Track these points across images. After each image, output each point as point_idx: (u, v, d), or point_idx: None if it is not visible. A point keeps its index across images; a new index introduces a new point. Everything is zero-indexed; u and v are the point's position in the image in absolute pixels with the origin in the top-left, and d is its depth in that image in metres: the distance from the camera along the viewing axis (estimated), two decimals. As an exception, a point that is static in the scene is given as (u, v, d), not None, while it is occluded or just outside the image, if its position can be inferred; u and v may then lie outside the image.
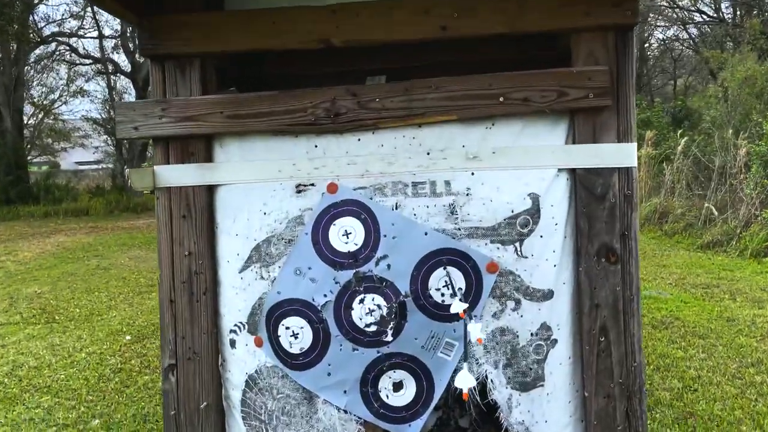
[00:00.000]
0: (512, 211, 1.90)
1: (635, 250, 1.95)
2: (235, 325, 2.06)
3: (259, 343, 2.00)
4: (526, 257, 1.91)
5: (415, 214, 1.90)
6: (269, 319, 1.97)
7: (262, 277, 1.99)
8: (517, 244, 1.91)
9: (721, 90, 12.44)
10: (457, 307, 1.58)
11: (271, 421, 1.98)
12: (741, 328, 5.70)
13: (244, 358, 2.05)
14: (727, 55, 14.41)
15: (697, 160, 11.18)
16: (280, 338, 1.96)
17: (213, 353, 2.09)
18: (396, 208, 1.91)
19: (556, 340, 1.95)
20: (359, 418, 1.94)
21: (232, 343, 2.08)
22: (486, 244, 1.89)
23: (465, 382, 1.56)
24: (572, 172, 1.94)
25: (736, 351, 5.15)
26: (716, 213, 9.58)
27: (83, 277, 8.70)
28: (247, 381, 2.04)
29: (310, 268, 1.93)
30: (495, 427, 1.91)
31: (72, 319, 6.63)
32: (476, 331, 1.48)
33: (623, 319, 1.95)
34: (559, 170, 1.92)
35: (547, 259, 1.93)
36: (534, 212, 1.91)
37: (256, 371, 2.02)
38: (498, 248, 1.90)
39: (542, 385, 1.93)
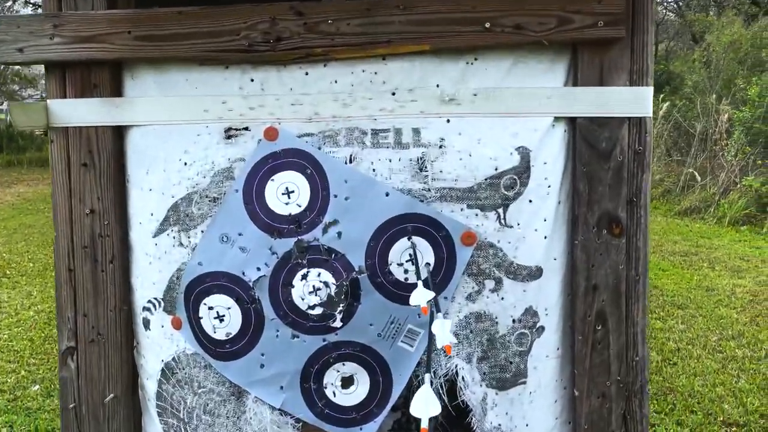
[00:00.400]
0: (496, 169, 1.52)
1: (644, 220, 1.58)
2: (149, 301, 1.66)
3: (177, 325, 1.62)
4: (511, 227, 1.54)
5: (374, 170, 1.51)
6: (188, 296, 1.58)
7: (181, 244, 1.59)
8: (501, 210, 1.53)
9: (705, 54, 12.12)
10: (420, 297, 1.19)
11: (191, 420, 1.61)
12: (721, 298, 5.50)
13: (159, 342, 1.67)
14: (712, 19, 14.07)
15: (677, 125, 10.92)
16: (201, 320, 1.57)
17: (123, 335, 1.70)
18: (351, 162, 1.51)
19: (542, 328, 1.60)
20: (298, 420, 1.57)
21: (146, 324, 1.69)
22: (462, 209, 1.51)
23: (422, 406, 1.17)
24: (571, 122, 1.56)
25: (716, 322, 4.94)
26: (699, 178, 9.35)
27: (41, 230, 8.21)
28: (163, 370, 1.66)
29: (240, 235, 1.53)
30: (465, 431, 1.57)
31: (24, 274, 6.19)
32: (444, 332, 1.10)
33: (625, 303, 1.60)
34: (556, 119, 1.54)
35: (536, 229, 1.56)
36: (522, 171, 1.53)
37: (173, 359, 1.64)
38: (476, 215, 1.52)
39: (524, 383, 1.58)
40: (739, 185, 9.01)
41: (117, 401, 1.71)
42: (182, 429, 1.63)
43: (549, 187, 1.56)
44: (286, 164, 1.53)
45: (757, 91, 9.49)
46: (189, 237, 1.58)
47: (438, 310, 1.16)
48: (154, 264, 1.64)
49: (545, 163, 1.55)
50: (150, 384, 1.70)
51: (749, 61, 11.59)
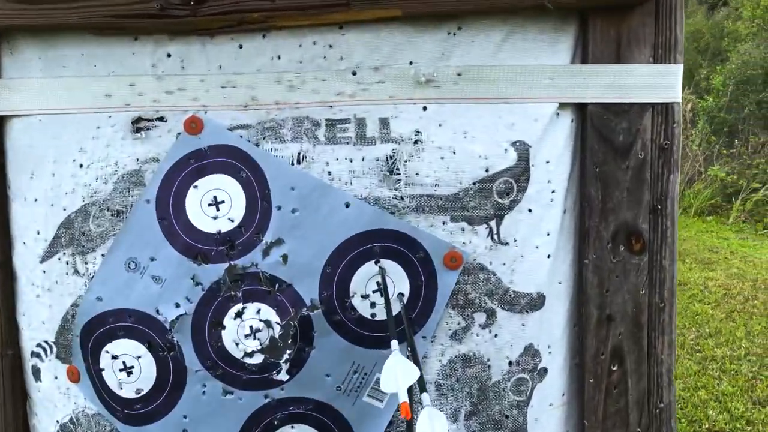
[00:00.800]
0: (486, 171, 1.18)
1: (672, 233, 1.26)
2: (39, 345, 1.28)
3: (74, 377, 1.23)
4: (506, 244, 1.20)
5: (329, 174, 1.15)
6: (86, 341, 1.20)
7: (76, 271, 1.21)
8: (493, 223, 1.19)
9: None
10: (401, 381, 0.84)
11: (95, 500, 1.23)
12: (694, 293, 5.31)
13: (53, 398, 1.28)
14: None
15: (641, 115, 10.79)
16: (103, 372, 1.19)
17: (9, 386, 1.32)
18: (299, 163, 1.15)
19: (545, 371, 1.27)
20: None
21: (36, 373, 1.30)
22: (444, 222, 1.17)
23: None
24: (581, 109, 1.23)
25: (692, 319, 4.73)
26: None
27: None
28: (58, 434, 1.28)
29: (152, 260, 1.16)
30: (450, 502, 1.23)
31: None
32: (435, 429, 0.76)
33: (648, 338, 1.28)
34: (561, 106, 1.21)
35: (538, 246, 1.22)
36: (520, 173, 1.19)
37: (71, 420, 1.26)
38: (463, 230, 1.18)
39: (523, 440, 1.25)
40: (704, 175, 8.92)
41: (-1, 474, 1.32)
42: None
43: (553, 192, 1.22)
44: (214, 166, 1.16)
45: (721, 80, 9.40)
46: (86, 262, 1.20)
47: (422, 389, 0.81)
48: (42, 297, 1.25)
49: (548, 162, 1.21)
50: (43, 450, 1.32)
51: (710, 51, 11.55)
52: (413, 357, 0.88)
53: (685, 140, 9.39)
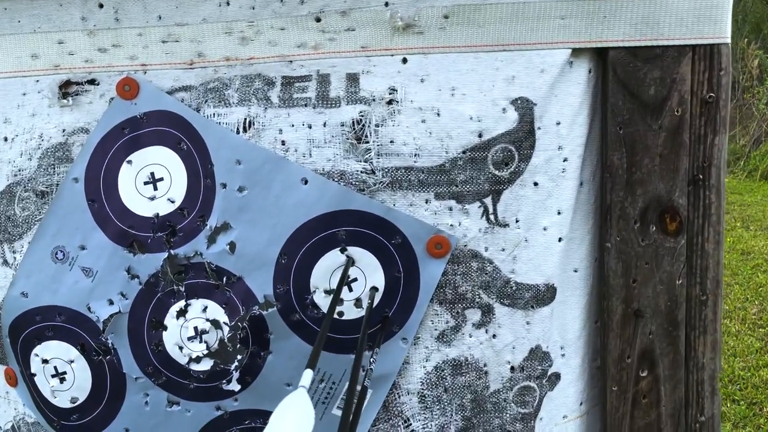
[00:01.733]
0: (480, 136, 0.95)
1: (718, 209, 1.01)
2: (-25, 344, 1.14)
3: (11, 381, 1.09)
4: (506, 225, 0.98)
5: (283, 143, 0.95)
6: (14, 341, 1.04)
7: (5, 261, 1.05)
8: (489, 201, 0.97)
9: (733, -6, 11.24)
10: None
11: None
12: (758, 263, 4.92)
13: (-7, 403, 1.15)
14: (739, -44, 13.09)
15: (702, 72, 10.15)
16: (36, 378, 1.04)
17: (-49, 388, 1.18)
18: (245, 130, 0.95)
19: (556, 377, 1.05)
20: None
21: (-24, 375, 1.17)
22: (427, 201, 0.95)
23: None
24: (601, 56, 0.98)
25: (754, 292, 4.38)
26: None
27: None
28: (1, 442, 1.14)
29: (82, 249, 0.98)
30: None
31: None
32: None
33: (686, 338, 1.05)
34: (576, 52, 0.97)
35: (546, 228, 0.99)
36: (522, 137, 0.96)
37: (12, 427, 1.12)
38: (450, 209, 0.96)
39: (530, 459, 1.05)
40: (771, 136, 8.33)
41: (-55, 483, 1.20)
42: None
43: (565, 161, 0.99)
44: (151, 136, 0.97)
45: (791, 33, 8.69)
46: (14, 252, 1.04)
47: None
48: (-26, 291, 1.10)
49: (558, 124, 0.98)
50: (-9, 458, 1.19)
51: (779, 1, 10.72)
52: (349, 394, 0.68)
53: (750, 98, 8.77)
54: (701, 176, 1.00)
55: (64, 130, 1.01)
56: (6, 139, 1.04)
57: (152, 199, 0.96)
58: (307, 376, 0.63)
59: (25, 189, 1.01)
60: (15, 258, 1.03)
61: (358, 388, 0.97)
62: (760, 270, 4.80)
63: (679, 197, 1.01)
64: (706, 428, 1.06)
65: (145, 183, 0.97)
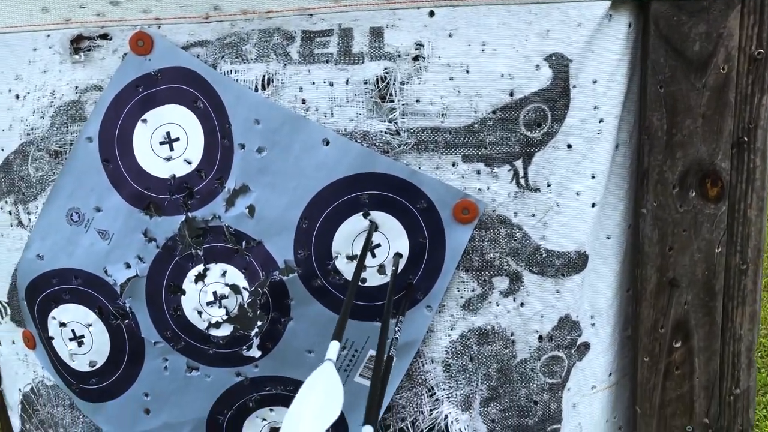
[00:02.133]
0: (511, 95, 0.90)
1: (762, 173, 0.96)
2: (-6, 305, 1.12)
3: (30, 343, 1.08)
4: (537, 190, 0.93)
5: (304, 102, 0.90)
6: (31, 304, 1.02)
7: (20, 223, 1.03)
8: (519, 164, 0.92)
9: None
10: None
11: (61, 479, 1.09)
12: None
13: (13, 364, 1.14)
14: None
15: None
16: (54, 342, 1.02)
17: (-29, 349, 1.18)
18: (264, 88, 0.90)
19: (586, 347, 1.02)
20: (203, 495, 1.04)
21: (-5, 336, 1.16)
22: (454, 164, 0.91)
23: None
24: (641, 10, 0.92)
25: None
26: None
27: None
28: (22, 403, 1.14)
29: (98, 210, 0.96)
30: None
31: None
32: None
33: (723, 308, 1.00)
34: (614, 5, 0.90)
35: (579, 192, 0.95)
36: (556, 96, 0.91)
37: (32, 390, 1.11)
38: (479, 172, 0.91)
39: (556, 430, 1.02)
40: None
41: (-32, 442, 1.21)
42: (52, 489, 1.12)
43: (601, 122, 0.93)
44: (166, 94, 0.93)
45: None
46: (29, 213, 1.01)
47: (369, 418, 0.55)
48: (-10, 252, 1.08)
49: (595, 83, 0.92)
50: (14, 419, 1.19)
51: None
52: (376, 365, 0.64)
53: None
54: (746, 138, 0.94)
55: (76, 87, 0.97)
56: (18, 97, 1.00)
57: (168, 159, 0.93)
58: (334, 348, 0.59)
59: (38, 148, 0.98)
60: (30, 219, 1.01)
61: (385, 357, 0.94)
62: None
63: (722, 161, 0.95)
64: (741, 401, 1.02)
65: (161, 143, 0.93)
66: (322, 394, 0.53)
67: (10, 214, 1.03)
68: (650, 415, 1.03)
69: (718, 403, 1.02)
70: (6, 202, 1.03)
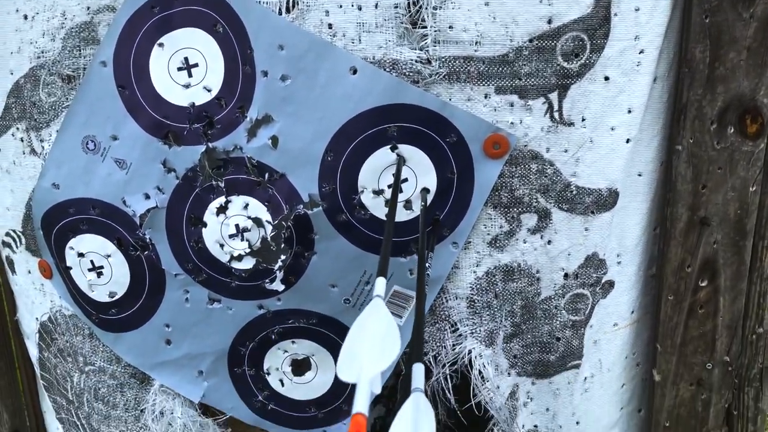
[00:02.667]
0: (549, 22, 0.85)
1: (805, 112, 0.92)
2: (8, 234, 1.10)
3: (46, 273, 1.06)
4: (571, 124, 0.89)
5: (330, 27, 0.85)
6: (48, 233, 1.00)
7: (33, 150, 1.00)
8: (554, 97, 0.88)
9: None
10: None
11: (82, 405, 1.10)
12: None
13: (29, 294, 1.13)
14: None
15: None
16: (72, 272, 1.01)
17: (-14, 277, 1.18)
18: (289, 11, 0.85)
19: (610, 285, 1.01)
20: (225, 423, 1.05)
21: (11, 265, 1.14)
22: (487, 95, 0.87)
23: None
24: (692, -70, 0.86)
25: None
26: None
27: None
28: (40, 332, 1.14)
29: (114, 139, 0.92)
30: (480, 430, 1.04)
31: None
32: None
33: (753, 248, 0.99)
34: (664, -76, 0.84)
35: (613, 128, 0.91)
36: (596, 25, 0.86)
37: (50, 319, 1.11)
38: (512, 105, 0.87)
39: (577, 365, 1.02)
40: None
41: (-13, 368, 1.22)
42: (73, 413, 1.13)
43: (641, 53, 0.89)
44: (183, 16, 0.88)
45: None
46: (42, 140, 0.98)
47: (417, 356, 0.54)
48: (3, 180, 1.05)
49: (637, 11, 0.87)
50: (31, 347, 1.19)
51: None
52: (418, 304, 0.63)
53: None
54: (791, 73, 0.90)
55: (88, 8, 0.91)
56: (26, 17, 0.95)
57: (187, 86, 0.89)
58: (381, 284, 0.57)
59: (50, 73, 0.94)
60: (43, 147, 0.98)
61: (406, 291, 0.93)
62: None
63: (764, 96, 0.91)
64: (764, 339, 1.02)
65: (179, 69, 0.89)
66: (377, 332, 0.51)
67: (22, 141, 1.00)
68: (671, 353, 1.03)
69: (740, 342, 1.02)
70: (17, 128, 1.00)
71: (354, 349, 0.50)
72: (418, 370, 0.49)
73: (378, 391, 0.49)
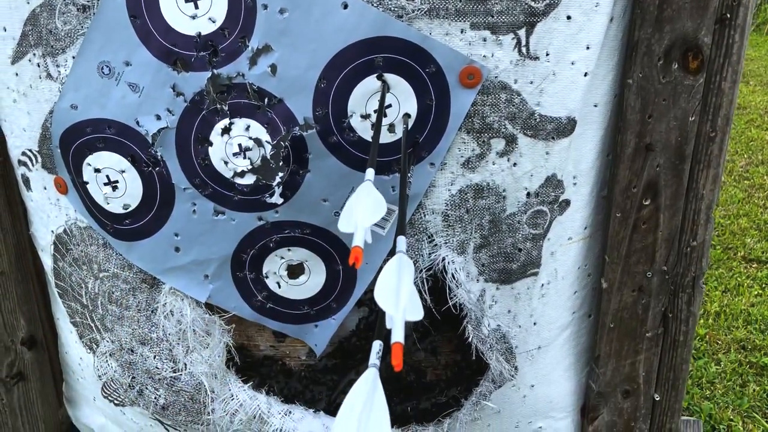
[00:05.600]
0: (519, -35, 0.96)
1: (739, 50, 1.05)
2: (24, 153, 1.20)
3: (62, 189, 1.17)
4: (536, 58, 1.01)
5: (324, -36, 0.95)
6: (65, 151, 1.11)
7: (48, 75, 1.09)
8: (523, 33, 1.00)
9: None
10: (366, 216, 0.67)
11: (96, 308, 1.23)
12: (753, 117, 4.97)
13: (44, 209, 1.24)
14: None
15: None
16: (88, 186, 1.12)
17: (0, 193, 1.28)
18: (287, -50, 0.95)
19: (567, 203, 1.15)
20: (229, 321, 1.19)
21: (26, 183, 1.25)
22: (462, 31, 0.98)
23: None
24: None
25: (745, 146, 4.46)
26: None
27: None
28: (55, 243, 1.25)
29: (127, 65, 1.02)
30: (451, 326, 1.19)
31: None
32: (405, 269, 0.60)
33: (690, 171, 1.13)
34: None
35: (574, 62, 1.03)
36: (561, -32, 0.97)
37: (65, 231, 1.22)
38: (485, 40, 0.99)
39: (535, 273, 1.17)
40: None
41: (6, 278, 1.33)
42: (87, 316, 1.26)
43: (599, -6, 1.00)
44: (189, -49, 0.97)
45: None
46: (58, 65, 1.07)
47: (400, 230, 0.68)
48: (20, 103, 1.15)
49: (597, -43, 0.98)
50: (46, 258, 1.30)
51: None
52: (401, 192, 0.76)
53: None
54: (728, 15, 1.03)
55: (101, -58, 1.00)
56: (41, -51, 1.03)
57: (194, 17, 0.98)
58: (402, 241, 0.68)
59: (65, 2, 1.03)
60: (59, 72, 1.07)
61: (393, 207, 1.06)
62: (753, 125, 4.85)
63: (705, 36, 1.04)
64: (696, 251, 1.18)
65: (186, 1, 0.98)
66: (368, 200, 0.66)
67: (39, 66, 1.09)
68: (617, 263, 1.18)
69: (676, 253, 1.18)
70: (34, 54, 1.08)
71: (350, 210, 0.64)
72: (401, 240, 0.63)
73: (370, 240, 0.63)
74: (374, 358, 0.53)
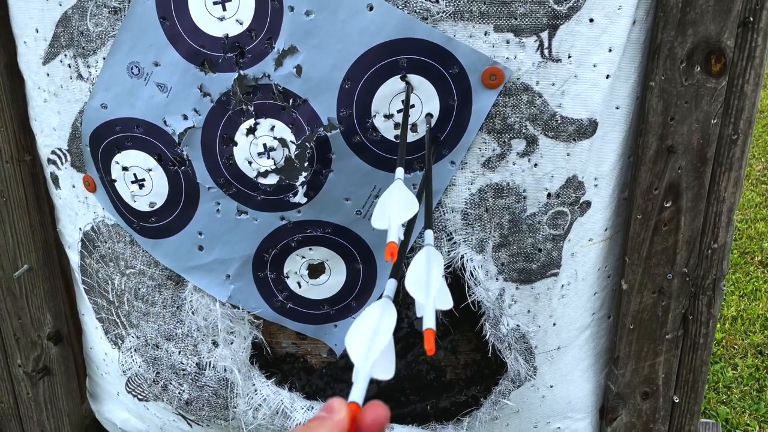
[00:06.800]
0: (542, -32, 0.97)
1: (762, 52, 1.05)
2: (53, 152, 1.23)
3: (90, 187, 1.20)
4: (558, 60, 1.02)
5: (350, -33, 0.97)
6: (95, 149, 1.13)
7: (79, 75, 1.11)
8: (545, 35, 1.01)
9: None
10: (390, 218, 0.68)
11: (122, 304, 1.25)
12: (770, 121, 4.92)
13: (73, 207, 1.26)
14: None
15: None
16: (116, 184, 1.14)
17: (29, 193, 1.31)
18: (314, -47, 0.97)
19: (587, 204, 1.15)
20: (258, 317, 1.21)
21: (55, 181, 1.27)
22: (486, 33, 0.99)
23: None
24: None
25: (762, 149, 4.41)
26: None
27: None
28: (82, 241, 1.28)
29: (156, 65, 1.04)
30: (470, 325, 1.20)
31: None
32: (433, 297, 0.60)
33: (712, 173, 1.13)
34: None
35: (596, 64, 1.04)
36: (584, -29, 0.98)
37: (92, 228, 1.25)
38: (508, 42, 1.00)
39: (555, 274, 1.18)
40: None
41: (34, 274, 1.36)
42: (113, 312, 1.28)
43: (622, -3, 1.01)
44: (218, -44, 0.99)
45: None
46: (89, 66, 1.10)
47: (428, 224, 0.69)
48: (50, 102, 1.17)
49: (620, -40, 0.99)
50: (72, 255, 1.33)
51: None
52: (426, 188, 0.78)
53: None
54: (752, 18, 1.03)
55: (132, -54, 1.02)
56: (73, -47, 1.05)
57: (222, 19, 1.00)
58: (429, 235, 0.69)
59: (97, 5, 1.05)
60: (90, 72, 1.09)
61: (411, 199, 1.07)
62: (771, 129, 4.80)
63: (728, 39, 1.04)
64: (718, 254, 1.18)
65: (214, 3, 1.00)
66: (400, 198, 0.67)
67: (70, 67, 1.11)
68: (637, 265, 1.19)
69: (697, 256, 1.18)
70: (65, 55, 1.11)
71: (384, 208, 0.66)
72: (429, 234, 0.64)
73: (402, 237, 0.65)
74: (388, 291, 0.55)
